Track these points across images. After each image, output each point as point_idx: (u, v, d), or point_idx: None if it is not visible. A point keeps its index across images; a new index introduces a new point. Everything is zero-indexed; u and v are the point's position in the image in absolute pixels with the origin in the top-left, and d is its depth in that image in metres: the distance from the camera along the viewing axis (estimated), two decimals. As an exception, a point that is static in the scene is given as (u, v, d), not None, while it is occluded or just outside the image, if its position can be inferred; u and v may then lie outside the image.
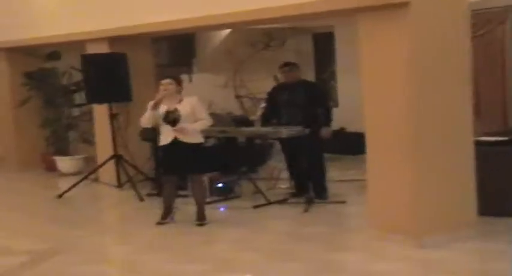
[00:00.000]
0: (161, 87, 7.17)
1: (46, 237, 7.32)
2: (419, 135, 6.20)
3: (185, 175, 7.58)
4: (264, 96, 12.65)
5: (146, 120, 7.23)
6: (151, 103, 7.18)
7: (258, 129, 8.53)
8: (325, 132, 8.39)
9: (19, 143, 12.27)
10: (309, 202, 8.05)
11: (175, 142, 7.16)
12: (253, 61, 13.60)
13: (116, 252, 7.06)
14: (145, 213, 8.10)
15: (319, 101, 8.48)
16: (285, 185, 9.12)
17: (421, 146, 6.22)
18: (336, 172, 9.63)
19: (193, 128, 7.19)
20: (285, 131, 8.11)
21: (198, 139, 7.30)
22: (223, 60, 13.56)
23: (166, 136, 7.22)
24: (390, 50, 6.31)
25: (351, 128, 11.43)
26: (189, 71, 13.79)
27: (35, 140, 12.08)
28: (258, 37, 13.52)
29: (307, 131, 8.10)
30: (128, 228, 7.80)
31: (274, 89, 9.00)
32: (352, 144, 11.12)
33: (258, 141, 10.00)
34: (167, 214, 7.52)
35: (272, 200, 8.40)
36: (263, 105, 12.67)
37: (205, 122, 7.30)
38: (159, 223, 7.46)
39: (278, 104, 8.63)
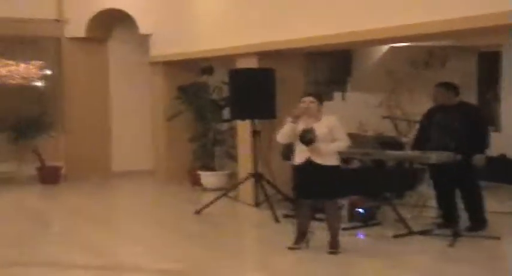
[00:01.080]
0: (301, 105, 6.86)
1: (179, 256, 7.14)
2: None
3: (319, 199, 7.16)
4: (419, 118, 12.26)
5: (284, 135, 6.92)
6: (289, 118, 6.89)
7: (404, 153, 8.02)
8: (478, 159, 7.73)
9: (169, 156, 12.49)
10: (456, 235, 7.39)
11: (309, 163, 6.83)
12: (412, 81, 13.06)
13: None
14: (280, 237, 7.76)
15: (476, 125, 7.84)
16: (432, 214, 8.49)
17: None
18: (492, 203, 8.77)
19: (328, 149, 6.81)
20: (434, 156, 7.52)
21: (334, 161, 6.90)
22: (379, 79, 13.12)
23: (300, 155, 6.90)
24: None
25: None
26: (343, 89, 13.48)
27: (184, 154, 12.20)
28: (418, 56, 12.97)
29: (458, 157, 7.48)
30: (260, 253, 7.55)
31: (430, 110, 8.41)
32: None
33: (407, 165, 9.43)
34: (301, 239, 7.14)
35: (415, 229, 7.82)
36: (418, 126, 12.22)
37: (342, 143, 6.88)
38: (291, 248, 7.11)
39: (431, 127, 8.08)
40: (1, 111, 12.25)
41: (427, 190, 8.99)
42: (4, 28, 12.11)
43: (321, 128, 6.78)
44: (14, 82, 12.69)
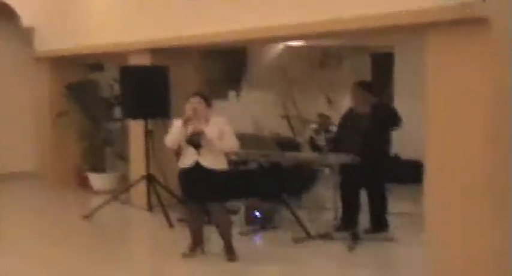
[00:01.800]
0: (188, 106, 6.51)
1: (64, 270, 6.62)
2: (496, 173, 5.44)
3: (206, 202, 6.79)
4: (313, 117, 12.19)
5: (172, 139, 6.57)
6: (177, 121, 6.57)
7: (303, 154, 7.84)
8: None
9: (56, 157, 11.93)
10: (355, 238, 7.28)
11: (197, 166, 6.49)
12: (307, 80, 12.99)
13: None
14: (174, 243, 7.41)
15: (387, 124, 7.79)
16: (330, 216, 8.34)
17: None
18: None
19: (219, 147, 6.47)
20: (333, 158, 7.37)
21: (222, 165, 6.61)
22: (274, 78, 12.97)
23: (188, 158, 6.55)
24: (466, 74, 5.56)
25: (405, 155, 10.66)
26: (238, 88, 13.25)
27: (72, 155, 11.68)
28: (313, 55, 12.91)
29: (357, 159, 7.39)
30: (153, 261, 7.13)
31: (346, 112, 8.30)
32: (406, 173, 10.45)
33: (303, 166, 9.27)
34: (195, 245, 6.84)
35: (314, 233, 7.66)
36: (312, 126, 12.13)
37: (230, 144, 6.58)
38: (185, 255, 6.77)
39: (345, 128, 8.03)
40: None
41: (324, 192, 8.86)
42: None
43: (211, 131, 6.45)
44: None
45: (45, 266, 6.74)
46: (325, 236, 7.62)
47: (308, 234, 7.60)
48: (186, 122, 6.44)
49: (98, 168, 11.23)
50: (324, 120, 12.08)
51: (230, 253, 6.68)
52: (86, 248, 7.62)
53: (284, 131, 12.64)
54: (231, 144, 6.58)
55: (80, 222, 8.71)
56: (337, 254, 7.07)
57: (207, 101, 6.60)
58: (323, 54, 12.96)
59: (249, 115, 11.97)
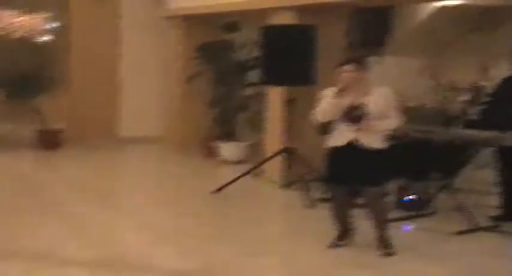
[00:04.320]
0: (343, 75, 5.58)
1: (193, 249, 5.91)
2: None
3: (361, 186, 5.88)
4: (465, 86, 11.03)
5: (325, 112, 5.65)
6: (327, 91, 5.67)
7: (476, 132, 6.78)
8: None
9: (184, 122, 11.45)
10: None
11: (352, 145, 5.59)
12: (459, 45, 11.80)
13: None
14: (315, 228, 6.62)
15: None
16: (493, 202, 7.33)
17: None
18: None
19: (380, 128, 5.58)
20: (510, 138, 6.28)
21: (381, 144, 5.67)
22: (422, 42, 11.85)
23: (341, 136, 5.63)
24: None
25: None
26: (381, 53, 12.20)
27: (201, 121, 11.15)
28: (469, 16, 11.68)
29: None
30: (290, 251, 6.11)
31: (506, 80, 7.23)
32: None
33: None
34: (343, 235, 5.98)
35: (479, 223, 6.63)
36: (465, 98, 10.99)
37: (395, 121, 5.66)
38: (331, 246, 5.92)
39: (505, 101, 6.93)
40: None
41: (487, 174, 7.75)
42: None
43: (372, 102, 5.53)
44: (16, 34, 11.54)
45: (170, 241, 6.10)
46: (494, 228, 6.62)
47: (475, 225, 6.57)
48: (340, 93, 5.52)
49: (229, 137, 10.65)
50: (478, 91, 10.99)
51: (386, 246, 5.78)
52: (216, 226, 6.93)
53: (430, 102, 11.62)
54: (396, 121, 5.63)
55: (209, 195, 8.07)
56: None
57: (364, 69, 5.66)
58: (480, 15, 11.68)
59: (392, 84, 10.98)
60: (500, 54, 12.15)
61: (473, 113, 10.75)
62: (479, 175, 8.18)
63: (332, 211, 5.99)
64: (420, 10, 11.95)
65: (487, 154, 7.79)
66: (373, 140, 5.59)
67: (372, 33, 12.08)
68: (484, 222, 6.71)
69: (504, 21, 11.90)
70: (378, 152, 5.62)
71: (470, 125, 8.78)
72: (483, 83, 11.17)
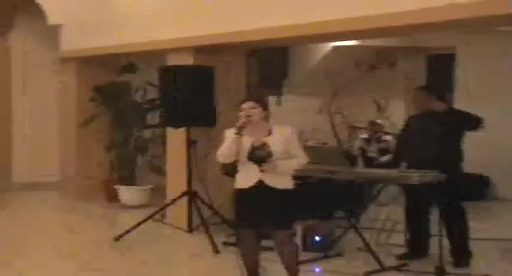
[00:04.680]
0: (241, 113, 5.46)
1: None
2: None
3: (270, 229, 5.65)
4: (363, 125, 11.17)
5: (227, 152, 5.43)
6: (229, 132, 5.50)
7: (381, 171, 6.83)
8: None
9: (82, 167, 11.00)
10: (442, 273, 6.19)
11: (260, 186, 5.43)
12: (356, 84, 12.00)
13: None
14: (224, 273, 6.38)
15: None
16: (399, 241, 7.31)
17: None
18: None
19: (288, 167, 5.46)
20: (416, 177, 6.25)
21: (289, 184, 5.53)
22: (319, 82, 11.96)
23: (248, 177, 5.44)
24: None
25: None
26: (278, 93, 12.23)
27: (99, 164, 10.79)
28: (365, 56, 11.92)
29: (443, 177, 6.26)
30: None
31: (409, 118, 7.35)
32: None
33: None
34: (252, 279, 5.78)
35: (383, 262, 6.54)
36: (363, 136, 11.11)
37: (302, 160, 5.53)
38: (241, 292, 5.72)
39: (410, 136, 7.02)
40: None
41: (393, 210, 7.76)
42: None
43: (276, 143, 5.41)
44: None
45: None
46: (401, 267, 6.57)
47: (381, 266, 6.50)
48: (240, 130, 5.37)
49: (129, 180, 10.31)
50: (375, 129, 11.12)
51: (297, 292, 5.61)
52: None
53: (329, 141, 11.68)
54: (301, 160, 5.52)
55: (111, 243, 7.71)
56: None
57: (264, 106, 5.54)
58: (376, 55, 11.95)
59: (291, 124, 10.98)
60: (396, 93, 12.47)
61: (372, 150, 10.97)
62: (385, 212, 8.19)
63: (240, 256, 5.79)
64: (317, 50, 12.07)
65: (392, 190, 7.88)
66: (279, 180, 5.43)
67: (269, 73, 12.12)
68: (391, 262, 6.64)
69: (398, 61, 12.22)
70: (285, 192, 5.46)
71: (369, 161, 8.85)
72: (380, 121, 11.35)
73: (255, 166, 5.40)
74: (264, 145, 5.39)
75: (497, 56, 10.61)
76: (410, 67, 12.37)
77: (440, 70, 12.00)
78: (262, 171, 5.38)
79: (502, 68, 10.74)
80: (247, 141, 5.41)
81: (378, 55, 12.06)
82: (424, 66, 12.44)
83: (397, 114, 11.88)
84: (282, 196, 5.44)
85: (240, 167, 5.50)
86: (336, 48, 11.80)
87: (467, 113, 6.79)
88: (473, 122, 6.73)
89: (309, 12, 6.77)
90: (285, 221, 5.52)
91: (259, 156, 5.37)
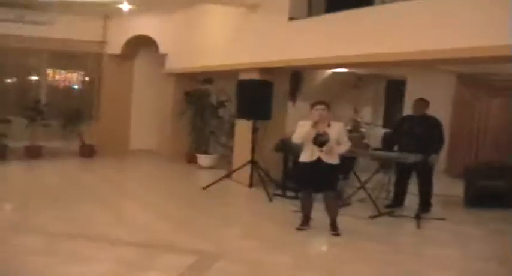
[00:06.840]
0: (315, 112, 4.90)
1: (205, 234, 4.98)
2: None
3: (324, 191, 5.18)
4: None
5: (300, 138, 4.96)
6: (302, 122, 4.97)
7: (390, 153, 6.20)
8: (433, 158, 6.11)
9: (172, 142, 10.39)
10: (418, 217, 5.68)
11: (318, 162, 4.91)
12: (343, 96, 11.39)
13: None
14: (278, 214, 5.92)
15: (437, 133, 6.20)
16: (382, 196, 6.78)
17: None
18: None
19: (339, 149, 4.96)
20: (412, 157, 5.82)
21: (337, 160, 5.03)
22: (320, 94, 11.34)
23: (310, 154, 4.96)
24: None
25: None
26: (294, 100, 11.61)
27: (184, 141, 10.14)
28: (350, 79, 11.29)
29: (422, 157, 5.84)
30: (274, 233, 5.22)
31: (404, 118, 6.76)
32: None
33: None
34: (306, 222, 5.30)
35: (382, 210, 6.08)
36: (347, 128, 10.48)
37: (347, 146, 5.01)
38: (298, 229, 5.22)
39: (402, 132, 6.40)
40: (56, 105, 10.01)
41: (382, 177, 7.19)
42: (63, 46, 10.06)
43: (332, 132, 4.87)
44: (64, 85, 10.54)
45: (184, 228, 5.21)
46: (390, 214, 6.06)
47: (379, 212, 6.00)
48: (314, 125, 4.81)
49: (204, 151, 9.69)
50: (356, 124, 10.56)
51: (336, 229, 5.15)
52: (215, 215, 6.00)
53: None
54: (347, 146, 4.98)
55: (200, 191, 7.16)
56: (412, 231, 5.50)
57: (328, 108, 4.97)
58: (356, 79, 11.29)
59: (301, 118, 10.36)
60: (366, 103, 11.87)
61: (357, 137, 10.35)
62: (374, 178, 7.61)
63: (301, 206, 5.28)
64: (320, 74, 11.45)
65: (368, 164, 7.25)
66: (331, 158, 4.95)
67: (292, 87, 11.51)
68: (382, 210, 6.15)
69: (370, 84, 11.58)
70: (334, 166, 4.98)
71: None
72: (359, 119, 10.80)
73: (316, 147, 4.86)
74: (325, 133, 4.85)
75: (436, 87, 9.89)
76: (376, 87, 11.74)
77: (395, 90, 11.38)
78: (321, 151, 4.85)
79: (436, 94, 10.09)
80: (314, 130, 4.90)
81: (359, 78, 11.39)
82: (384, 87, 11.81)
83: (366, 116, 11.42)
84: (332, 169, 4.96)
85: (305, 147, 4.96)
86: (333, 73, 11.18)
87: (442, 138, 6.21)
88: (441, 143, 6.20)
89: (331, 49, 6.16)
90: (334, 185, 5.04)
91: (321, 140, 4.84)
